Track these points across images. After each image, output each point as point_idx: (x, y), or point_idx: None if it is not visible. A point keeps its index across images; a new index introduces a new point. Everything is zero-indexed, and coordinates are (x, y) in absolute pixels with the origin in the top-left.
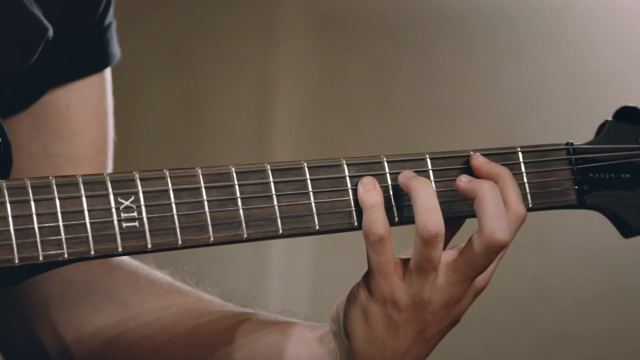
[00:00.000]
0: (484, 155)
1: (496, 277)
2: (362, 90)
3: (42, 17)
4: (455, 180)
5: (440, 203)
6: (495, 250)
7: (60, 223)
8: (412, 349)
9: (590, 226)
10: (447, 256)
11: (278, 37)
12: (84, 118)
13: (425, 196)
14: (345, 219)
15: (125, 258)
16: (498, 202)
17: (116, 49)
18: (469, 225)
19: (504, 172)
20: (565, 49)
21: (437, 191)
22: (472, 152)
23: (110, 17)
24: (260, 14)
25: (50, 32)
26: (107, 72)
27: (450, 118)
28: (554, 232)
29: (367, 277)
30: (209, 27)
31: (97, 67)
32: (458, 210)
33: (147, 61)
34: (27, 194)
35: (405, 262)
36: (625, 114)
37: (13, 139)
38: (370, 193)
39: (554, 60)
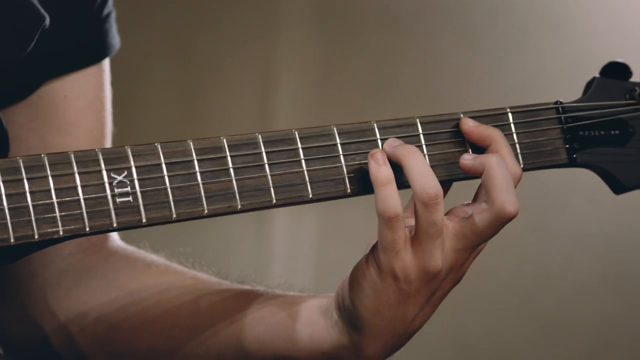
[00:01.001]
0: (474, 117)
1: (498, 263)
2: (364, 80)
3: (38, 6)
4: (446, 143)
5: (433, 167)
6: (504, 221)
7: (54, 200)
8: (420, 315)
9: (592, 211)
10: (453, 223)
11: (280, 27)
12: (81, 110)
13: (417, 161)
14: (338, 186)
15: (121, 244)
16: (506, 174)
17: (115, 39)
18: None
19: (496, 134)
20: (568, 35)
21: (429, 155)
22: (461, 115)
23: (109, 7)
24: (262, 4)
25: (47, 21)
26: (106, 63)
27: (453, 105)
28: (555, 217)
29: (377, 253)
30: (211, 18)
31: (94, 58)
32: (452, 173)
33: (149, 52)
34: (20, 173)
35: (412, 233)
36: (612, 70)
37: (10, 130)
38: (383, 169)
39: (557, 46)
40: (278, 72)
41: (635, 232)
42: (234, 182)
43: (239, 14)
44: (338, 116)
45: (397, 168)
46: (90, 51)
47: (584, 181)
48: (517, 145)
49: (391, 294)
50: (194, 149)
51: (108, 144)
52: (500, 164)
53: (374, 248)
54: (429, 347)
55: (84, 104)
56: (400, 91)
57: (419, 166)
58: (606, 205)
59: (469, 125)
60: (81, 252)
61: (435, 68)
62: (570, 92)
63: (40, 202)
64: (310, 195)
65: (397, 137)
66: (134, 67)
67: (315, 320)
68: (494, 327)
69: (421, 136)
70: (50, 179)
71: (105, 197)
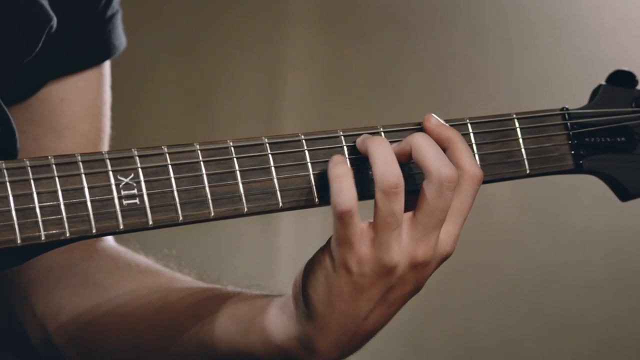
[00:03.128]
0: (480, 123)
1: (505, 261)
2: (371, 79)
3: (47, 7)
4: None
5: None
6: (447, 186)
7: (61, 202)
8: (374, 312)
9: (598, 209)
10: (406, 215)
11: (286, 26)
12: (77, 113)
13: (382, 150)
14: None
15: (109, 244)
16: (433, 144)
17: (119, 41)
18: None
19: (454, 136)
20: (575, 35)
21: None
22: (468, 120)
23: (113, 8)
24: (269, 4)
25: (54, 22)
26: (106, 66)
27: (461, 105)
28: (562, 215)
29: (332, 245)
30: (217, 17)
31: (94, 61)
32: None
33: (155, 51)
34: (27, 174)
35: (369, 227)
36: (618, 78)
37: None
38: (339, 165)
39: (565, 45)
40: (285, 72)
41: None
42: (241, 185)
43: (245, 14)
44: (345, 116)
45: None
46: (90, 53)
47: (591, 179)
48: (524, 151)
49: (344, 286)
50: (200, 151)
51: (105, 147)
52: (425, 137)
53: (330, 240)
54: (435, 344)
55: (81, 108)
56: (407, 91)
57: (383, 154)
58: (613, 203)
59: (431, 123)
60: (69, 250)
61: (443, 68)
62: (578, 92)
63: (47, 203)
64: (316, 200)
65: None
66: (139, 67)
67: (271, 313)
68: (500, 324)
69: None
70: (57, 180)
71: (112, 199)
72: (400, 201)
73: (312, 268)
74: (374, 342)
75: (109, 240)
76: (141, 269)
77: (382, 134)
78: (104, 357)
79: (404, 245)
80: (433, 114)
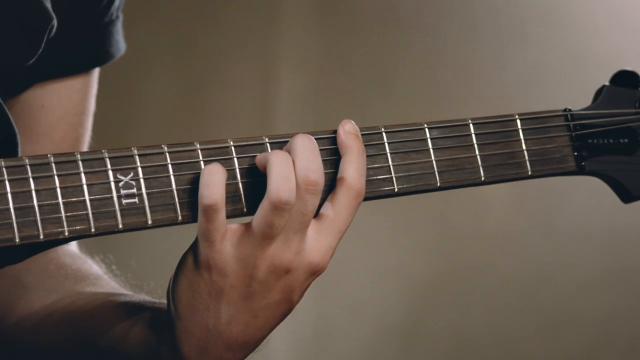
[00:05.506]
0: (482, 124)
1: (499, 260)
2: (365, 75)
3: (50, 9)
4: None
5: (441, 173)
6: (306, 189)
7: (60, 201)
8: (237, 318)
9: (593, 208)
10: (236, 225)
11: (280, 24)
12: (55, 121)
13: (282, 164)
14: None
15: (65, 249)
16: (283, 165)
17: (114, 47)
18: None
19: (353, 146)
20: (569, 31)
21: (437, 160)
22: (469, 121)
23: (112, 14)
24: (263, 1)
25: (55, 23)
26: (94, 74)
27: (454, 101)
28: (557, 215)
29: (195, 243)
30: (211, 13)
31: (82, 68)
32: (460, 178)
33: (150, 47)
34: (26, 172)
35: (240, 228)
36: (622, 79)
37: None
38: (215, 163)
39: (558, 41)
40: (279, 69)
41: (636, 228)
42: (240, 184)
43: (240, 11)
44: (339, 113)
45: None
46: (79, 60)
47: (586, 178)
48: (526, 152)
49: (203, 285)
50: (201, 150)
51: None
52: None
53: (195, 239)
54: (429, 343)
55: (59, 116)
56: (401, 88)
57: (283, 168)
58: (608, 202)
59: (342, 128)
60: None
61: (437, 64)
62: (573, 89)
63: (46, 202)
64: None
65: (405, 142)
66: (134, 66)
67: (147, 313)
68: (496, 323)
69: (429, 141)
70: (56, 178)
71: (111, 198)
72: (284, 217)
73: (180, 265)
74: (368, 340)
75: (70, 244)
76: (68, 274)
77: (384, 134)
78: (22, 354)
79: (267, 250)
80: (350, 121)
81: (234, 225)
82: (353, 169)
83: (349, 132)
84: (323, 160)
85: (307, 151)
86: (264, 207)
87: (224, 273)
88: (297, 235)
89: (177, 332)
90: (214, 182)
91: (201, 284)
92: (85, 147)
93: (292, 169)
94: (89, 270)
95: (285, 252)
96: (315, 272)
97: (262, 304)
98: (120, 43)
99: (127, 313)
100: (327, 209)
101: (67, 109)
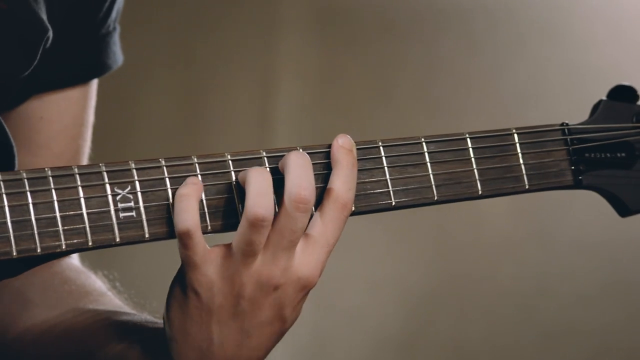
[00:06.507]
0: (480, 138)
1: (498, 271)
2: (363, 86)
3: (45, 20)
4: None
5: (438, 187)
6: (296, 206)
7: (58, 214)
8: (229, 339)
9: (592, 220)
10: (219, 247)
11: (279, 33)
12: (55, 133)
13: (260, 180)
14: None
15: (69, 262)
16: (261, 181)
17: (111, 59)
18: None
19: (344, 160)
20: (567, 44)
21: (434, 174)
22: (467, 135)
23: (109, 25)
24: (262, 9)
25: (50, 35)
26: (92, 85)
27: (452, 113)
28: (555, 225)
29: (181, 266)
30: (210, 23)
31: (80, 79)
32: (457, 192)
33: (148, 57)
34: (24, 186)
35: (221, 248)
36: (619, 93)
37: None
38: (187, 185)
39: (556, 55)
40: (277, 78)
41: (635, 240)
42: (236, 198)
43: (239, 20)
44: (338, 124)
45: None
46: (77, 71)
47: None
48: (523, 166)
49: (193, 309)
50: (198, 164)
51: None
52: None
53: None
54: (428, 353)
55: (59, 128)
56: (399, 98)
57: (260, 185)
58: (606, 213)
59: (337, 142)
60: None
61: (435, 75)
62: (570, 102)
63: (43, 215)
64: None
65: (403, 156)
66: (133, 75)
67: (147, 334)
68: (494, 334)
69: (426, 155)
70: (53, 192)
71: (109, 211)
72: (263, 235)
73: (170, 289)
74: (366, 351)
75: (71, 256)
76: (71, 289)
77: (381, 149)
78: None
79: (252, 267)
80: (345, 135)
81: (216, 248)
82: (340, 182)
83: (341, 147)
84: (316, 174)
85: (299, 168)
86: (242, 225)
87: (211, 294)
88: (285, 252)
89: (173, 355)
90: (184, 210)
91: (190, 307)
92: (85, 159)
93: (270, 185)
94: (92, 286)
95: (272, 268)
96: (305, 287)
97: (254, 323)
98: (117, 55)
99: (127, 333)
100: (315, 221)
101: (66, 121)
